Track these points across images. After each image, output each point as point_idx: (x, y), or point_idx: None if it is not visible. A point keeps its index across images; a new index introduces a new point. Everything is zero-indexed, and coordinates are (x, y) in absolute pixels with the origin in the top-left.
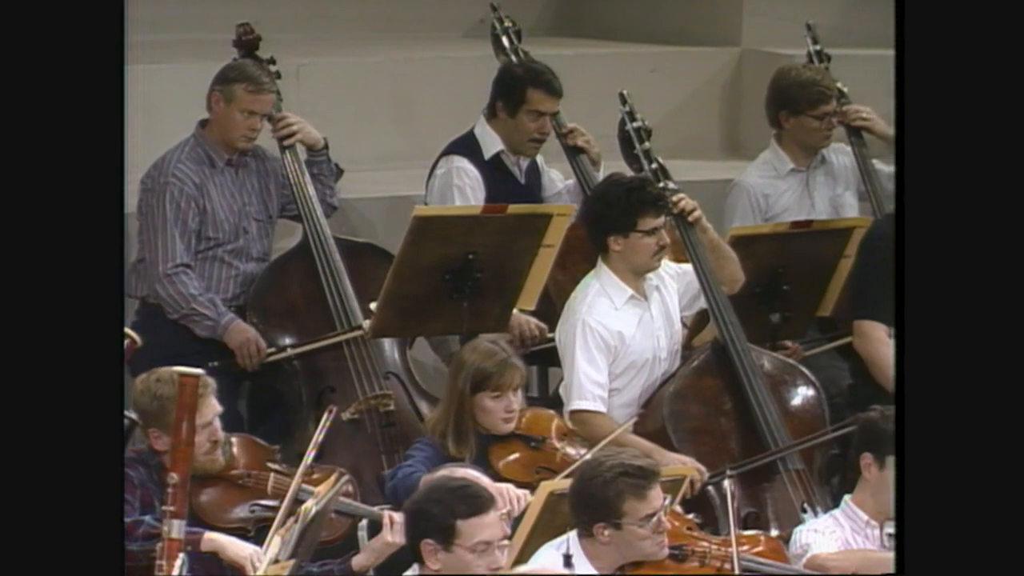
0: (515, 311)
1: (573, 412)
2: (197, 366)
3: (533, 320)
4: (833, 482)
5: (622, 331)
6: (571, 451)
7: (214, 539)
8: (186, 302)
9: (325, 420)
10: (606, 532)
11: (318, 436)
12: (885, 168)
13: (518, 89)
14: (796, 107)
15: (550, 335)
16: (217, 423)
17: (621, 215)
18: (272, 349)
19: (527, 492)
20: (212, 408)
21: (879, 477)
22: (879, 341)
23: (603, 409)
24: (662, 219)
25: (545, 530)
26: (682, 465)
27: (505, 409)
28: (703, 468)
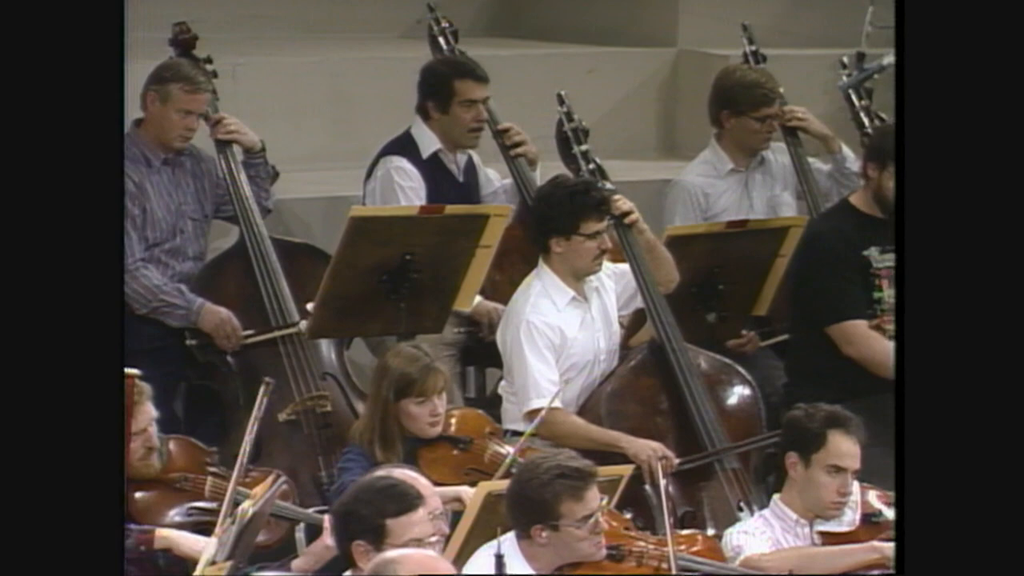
0: (480, 299)
1: (532, 412)
2: (163, 356)
3: (500, 307)
4: (769, 480)
5: (564, 332)
6: (500, 450)
7: (167, 536)
8: (153, 294)
9: (262, 393)
10: (544, 533)
11: (257, 410)
12: (823, 167)
13: (444, 84)
14: (738, 108)
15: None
16: (153, 429)
17: (564, 217)
18: (250, 331)
19: None
20: (147, 414)
21: (805, 475)
22: (869, 337)
23: (560, 405)
24: (605, 223)
25: (483, 531)
26: (650, 450)
27: (430, 413)
28: (669, 453)
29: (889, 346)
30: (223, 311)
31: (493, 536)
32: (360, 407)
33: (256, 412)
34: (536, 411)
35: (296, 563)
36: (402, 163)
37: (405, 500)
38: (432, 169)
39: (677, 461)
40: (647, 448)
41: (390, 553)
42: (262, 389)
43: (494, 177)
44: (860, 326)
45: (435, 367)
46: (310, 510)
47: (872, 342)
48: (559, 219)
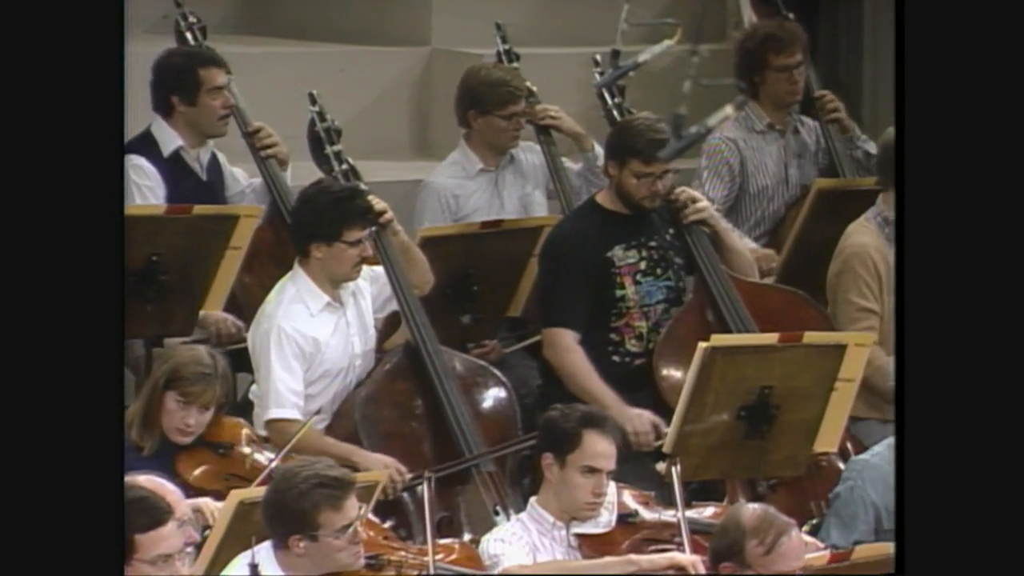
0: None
1: (270, 421)
2: None
3: (231, 318)
4: (525, 483)
5: (317, 338)
6: (260, 458)
7: None
8: None
9: None
10: (301, 544)
11: None
12: (574, 166)
13: (189, 75)
14: (484, 107)
15: (247, 333)
16: None
17: (327, 223)
18: None
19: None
20: None
21: (560, 477)
22: (566, 349)
23: (300, 417)
24: (367, 231)
25: (236, 540)
26: (383, 465)
27: (183, 420)
28: (402, 468)
29: (583, 363)
30: None
31: (248, 545)
32: None
33: None
34: (275, 420)
35: None
36: (140, 161)
37: (154, 514)
38: (173, 167)
39: (409, 477)
40: (380, 463)
41: None
42: None
43: (241, 176)
44: (564, 335)
45: (211, 381)
46: None
47: (569, 353)
48: (322, 225)
